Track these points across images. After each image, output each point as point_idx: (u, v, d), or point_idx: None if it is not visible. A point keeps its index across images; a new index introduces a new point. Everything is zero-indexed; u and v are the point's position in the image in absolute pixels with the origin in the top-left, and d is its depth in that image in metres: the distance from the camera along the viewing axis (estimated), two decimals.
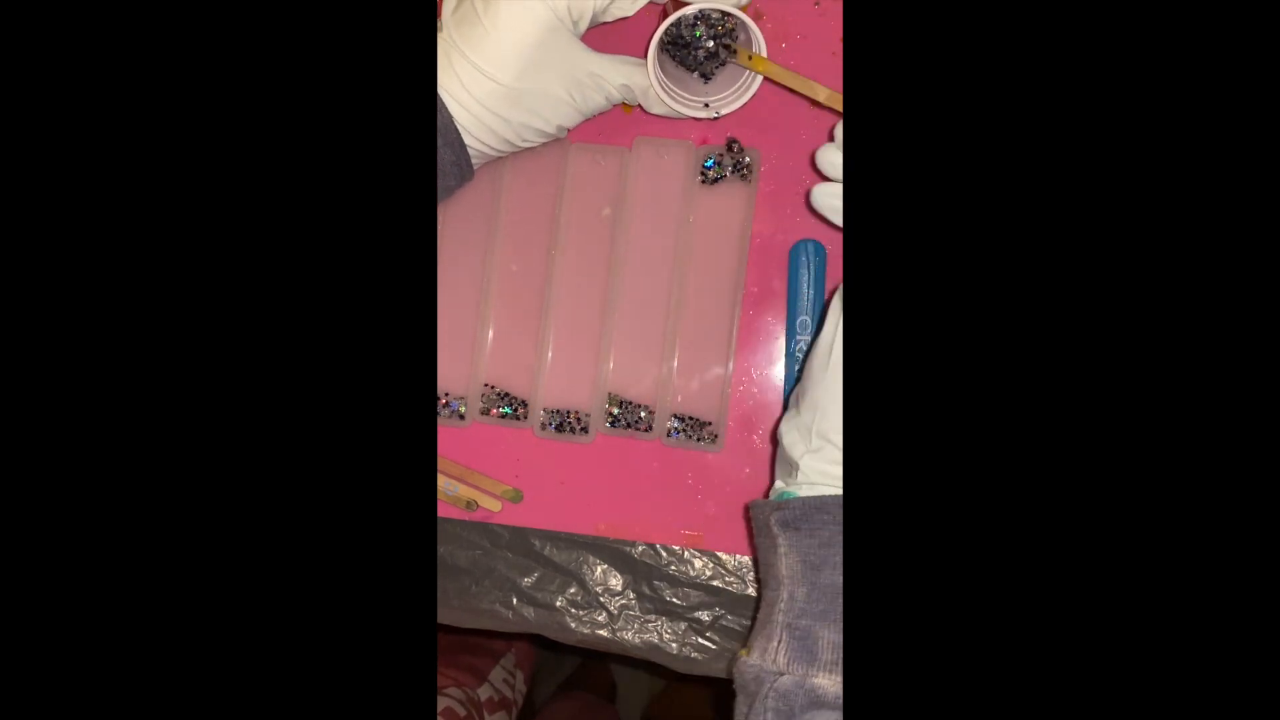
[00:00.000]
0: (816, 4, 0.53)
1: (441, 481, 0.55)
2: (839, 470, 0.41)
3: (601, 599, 0.56)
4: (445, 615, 0.57)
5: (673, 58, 0.51)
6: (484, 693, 0.80)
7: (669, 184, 0.54)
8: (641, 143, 0.54)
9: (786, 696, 0.39)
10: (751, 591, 0.55)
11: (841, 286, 0.43)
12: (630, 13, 0.48)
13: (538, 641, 0.80)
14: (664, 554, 0.55)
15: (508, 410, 0.55)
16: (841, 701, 0.38)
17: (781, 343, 0.54)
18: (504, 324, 0.55)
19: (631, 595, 0.56)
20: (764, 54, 0.49)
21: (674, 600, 0.55)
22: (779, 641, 0.40)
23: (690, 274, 0.54)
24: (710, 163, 0.54)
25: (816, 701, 0.38)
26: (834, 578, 0.40)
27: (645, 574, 0.55)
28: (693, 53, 0.50)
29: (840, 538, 0.40)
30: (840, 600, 0.39)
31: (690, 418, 0.54)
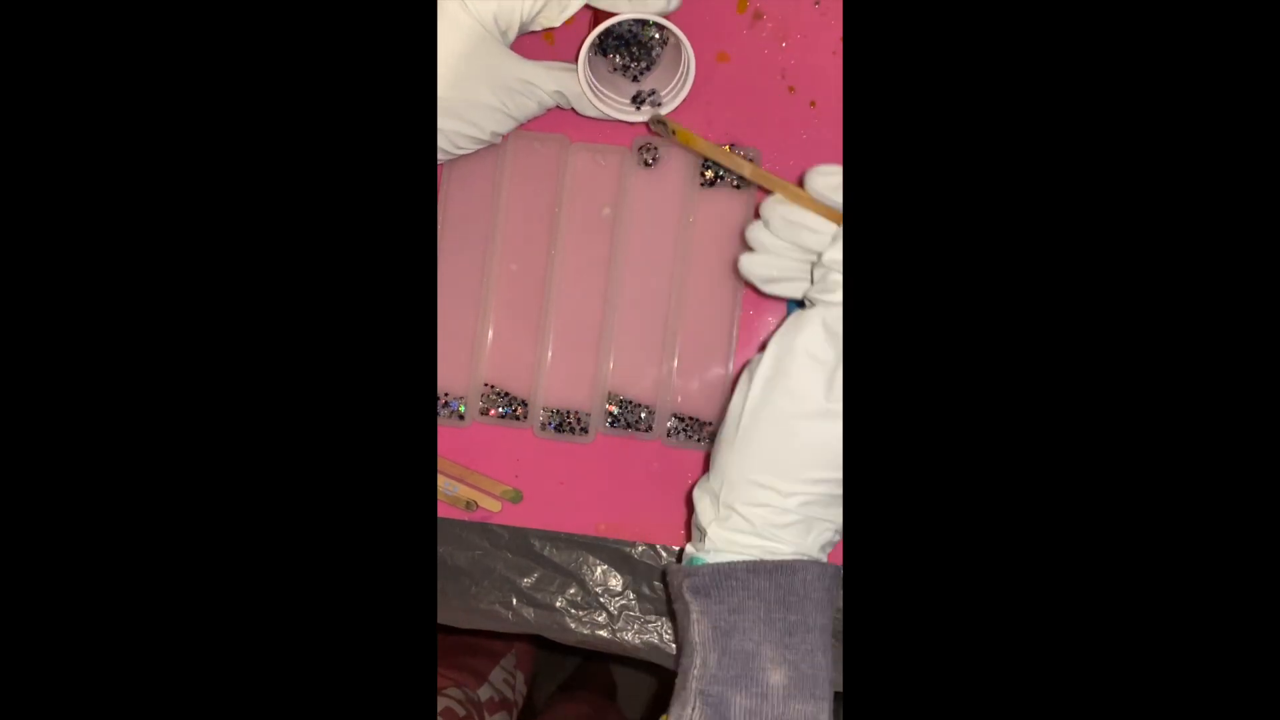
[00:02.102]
0: (817, 4, 0.53)
1: (441, 482, 0.55)
2: (745, 539, 0.43)
3: (601, 599, 0.56)
4: (445, 616, 0.56)
5: (603, 63, 0.52)
6: (484, 693, 0.80)
7: (669, 184, 0.54)
8: (641, 142, 0.54)
9: None
10: None
11: (753, 360, 0.44)
12: (557, 23, 0.49)
13: (538, 642, 0.80)
14: (664, 554, 0.55)
15: (507, 410, 0.55)
16: None
17: None
18: (504, 324, 0.55)
19: (631, 595, 0.56)
20: (692, 63, 0.49)
21: None
22: (693, 708, 0.41)
23: (690, 274, 0.54)
24: (709, 162, 0.54)
25: None
26: (743, 643, 0.41)
27: (645, 574, 0.55)
28: (619, 55, 0.51)
29: (750, 601, 0.41)
30: (753, 663, 0.40)
31: (690, 418, 0.54)
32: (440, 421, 0.55)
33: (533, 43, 0.54)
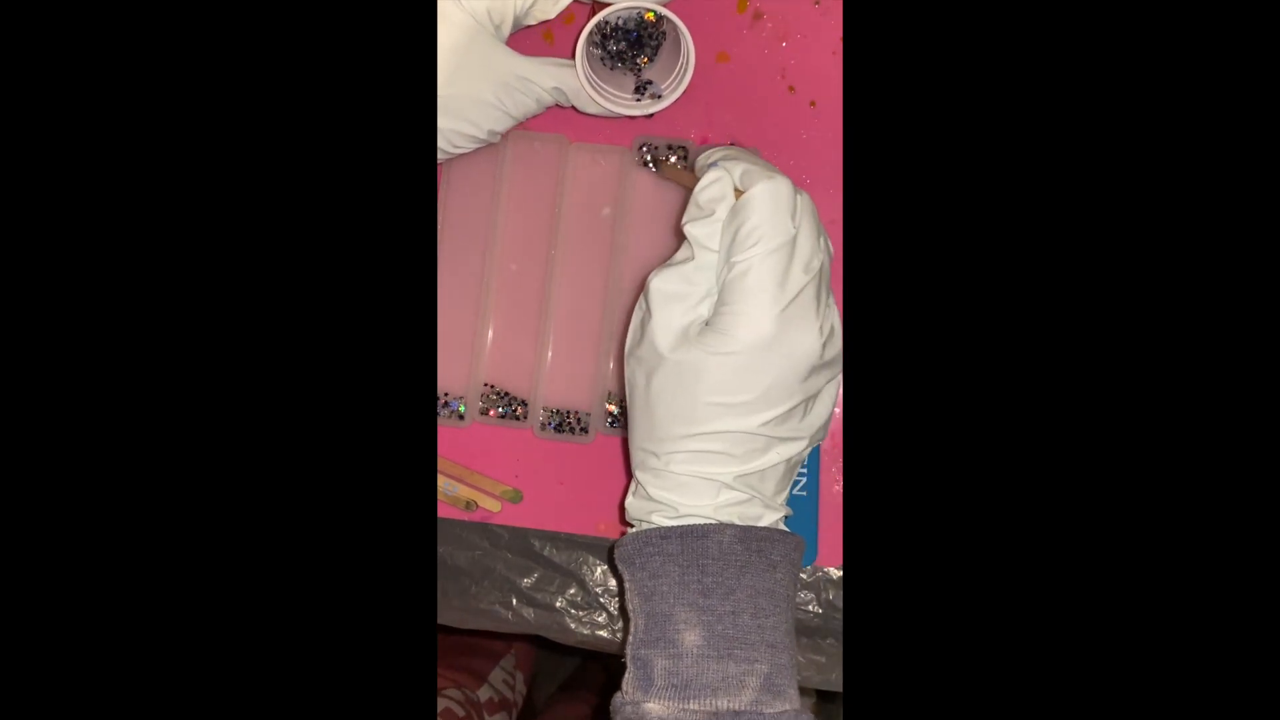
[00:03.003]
0: (817, 3, 0.53)
1: (441, 482, 0.55)
2: (649, 505, 0.43)
3: (601, 599, 0.56)
4: (445, 616, 0.56)
5: (601, 55, 0.52)
6: (484, 694, 0.80)
7: (669, 184, 0.54)
8: (641, 142, 0.54)
9: None
10: None
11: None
12: (552, 15, 0.48)
13: (538, 642, 0.80)
14: None
15: (507, 410, 0.55)
16: None
17: None
18: (504, 324, 0.55)
19: None
20: (692, 54, 0.49)
21: None
22: (628, 672, 0.43)
23: None
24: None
25: None
26: (661, 605, 0.42)
27: None
28: (615, 43, 0.51)
29: (666, 566, 0.42)
30: (669, 625, 0.41)
31: None
32: (440, 421, 0.55)
33: (533, 43, 0.54)
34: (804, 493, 0.53)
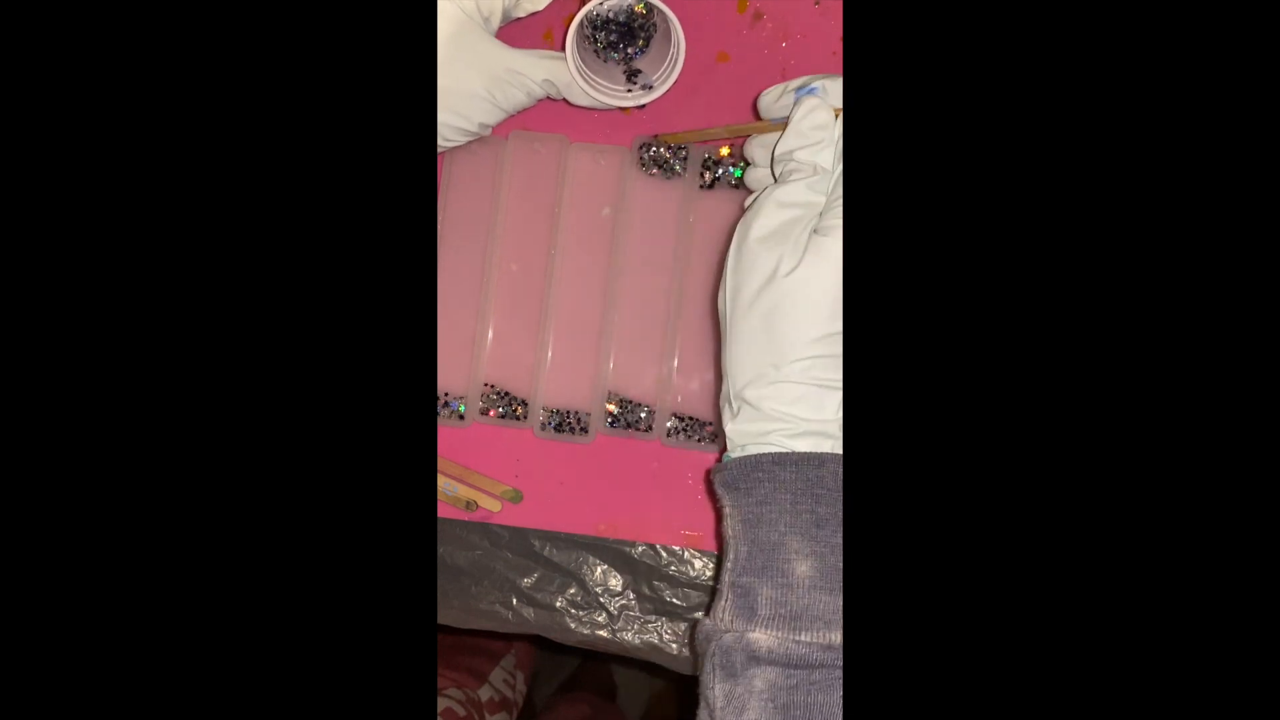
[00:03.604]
0: (817, 3, 0.53)
1: (441, 482, 0.55)
2: (758, 426, 0.42)
3: (601, 599, 0.56)
4: (445, 616, 0.56)
5: (593, 46, 0.51)
6: (484, 693, 0.80)
7: (669, 183, 0.54)
8: (641, 142, 0.54)
9: (729, 653, 0.40)
10: None
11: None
12: (540, 7, 0.48)
13: (538, 642, 0.80)
14: (664, 554, 0.55)
15: (507, 410, 0.55)
16: (779, 654, 0.39)
17: None
18: (504, 324, 0.55)
19: (631, 596, 0.56)
20: (682, 44, 0.49)
21: (674, 600, 0.55)
22: (725, 600, 0.41)
23: (690, 274, 0.54)
24: (707, 162, 0.54)
25: (754, 657, 0.39)
26: (769, 534, 0.40)
27: (645, 574, 0.55)
28: (607, 34, 0.51)
29: (777, 493, 0.41)
30: (778, 554, 0.40)
31: (690, 418, 0.54)
32: (440, 421, 0.55)
33: (532, 42, 0.54)
34: None
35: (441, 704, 0.71)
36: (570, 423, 0.54)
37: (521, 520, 0.56)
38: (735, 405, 0.43)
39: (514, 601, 0.56)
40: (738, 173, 0.53)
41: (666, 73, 0.50)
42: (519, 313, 0.55)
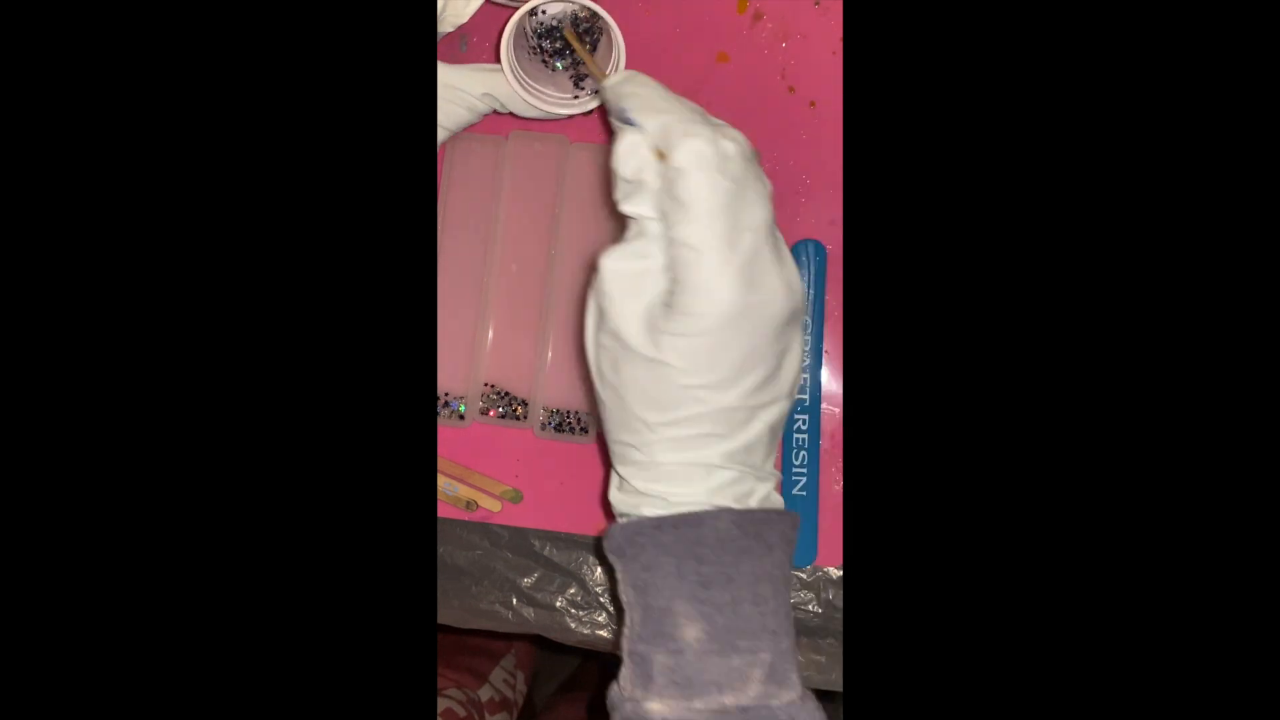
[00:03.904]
0: (816, 3, 0.53)
1: (441, 482, 0.55)
2: (635, 499, 0.41)
3: (602, 599, 0.56)
4: (445, 616, 0.56)
5: (539, 55, 0.51)
6: (485, 693, 0.80)
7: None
8: None
9: None
10: None
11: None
12: (464, 18, 0.46)
13: (538, 642, 0.80)
14: None
15: (507, 410, 0.55)
16: None
17: None
18: (504, 324, 0.55)
19: None
20: (621, 47, 0.47)
21: None
22: (626, 667, 0.41)
23: None
24: None
25: None
26: (657, 599, 0.39)
27: None
28: (551, 41, 0.50)
29: (661, 558, 0.39)
30: (667, 620, 0.39)
31: None
32: (440, 421, 0.55)
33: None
34: (804, 493, 0.53)
35: (442, 704, 0.71)
36: (570, 423, 0.54)
37: (521, 520, 0.56)
38: (615, 475, 0.43)
39: (514, 601, 0.56)
40: None
41: (612, 69, 0.50)
42: (519, 313, 0.55)
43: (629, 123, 0.40)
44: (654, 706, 0.39)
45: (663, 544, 0.39)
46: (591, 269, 0.41)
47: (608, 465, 0.55)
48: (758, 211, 0.38)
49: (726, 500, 0.40)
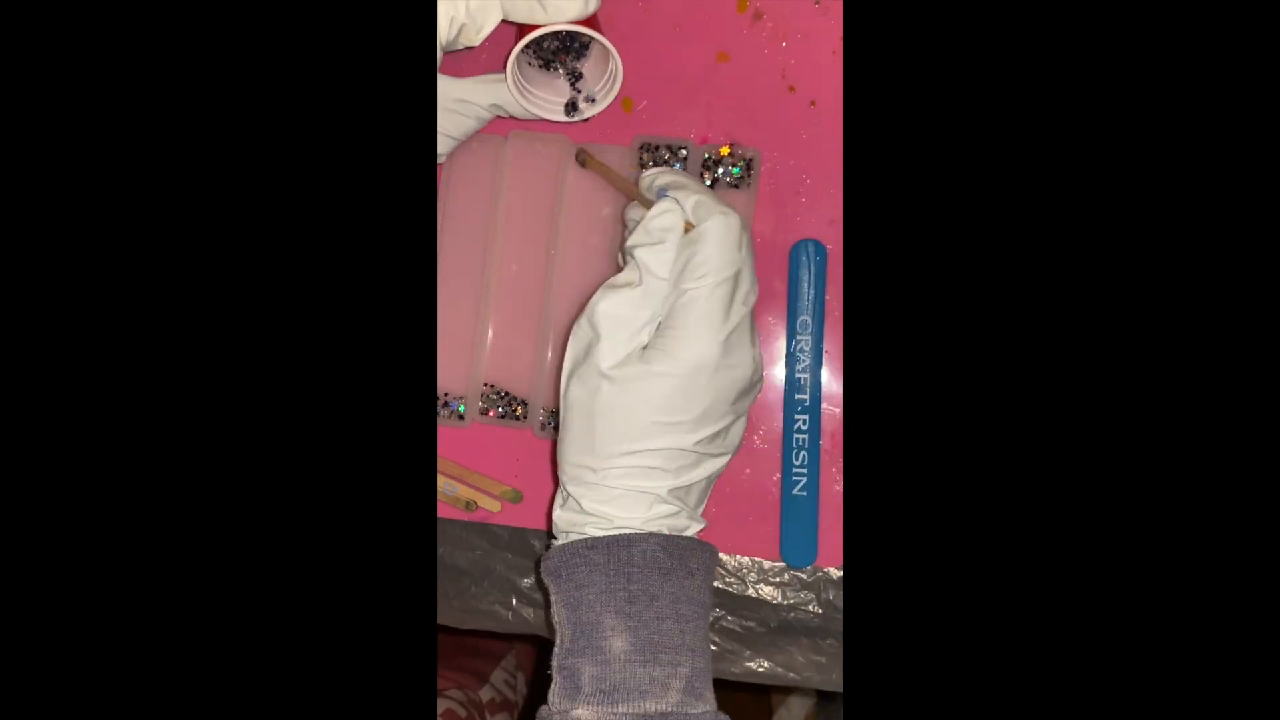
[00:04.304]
0: (817, 3, 0.53)
1: (441, 482, 0.55)
2: (580, 518, 0.45)
3: None
4: (445, 616, 0.56)
5: (533, 61, 0.51)
6: (486, 694, 0.80)
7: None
8: (641, 142, 0.54)
9: None
10: (752, 592, 0.54)
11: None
12: (476, 43, 0.48)
13: (538, 642, 0.80)
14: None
15: (507, 410, 0.55)
16: None
17: (782, 343, 0.54)
18: (504, 324, 0.55)
19: None
20: (619, 69, 0.49)
21: None
22: (555, 683, 0.44)
23: None
24: (707, 161, 0.54)
25: None
26: (587, 615, 0.43)
27: None
28: (549, 43, 0.51)
29: (593, 576, 0.43)
30: (596, 633, 0.42)
31: None
32: (440, 421, 0.55)
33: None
34: (804, 493, 0.53)
35: (442, 705, 0.71)
36: None
37: (521, 520, 0.56)
38: (561, 495, 0.46)
39: (514, 602, 0.56)
40: (736, 171, 0.53)
41: (606, 89, 0.51)
42: (519, 313, 0.55)
43: (664, 195, 0.46)
44: (580, 713, 0.41)
45: (595, 563, 0.43)
46: (583, 304, 0.46)
47: None
48: (751, 293, 0.44)
49: (661, 529, 0.44)
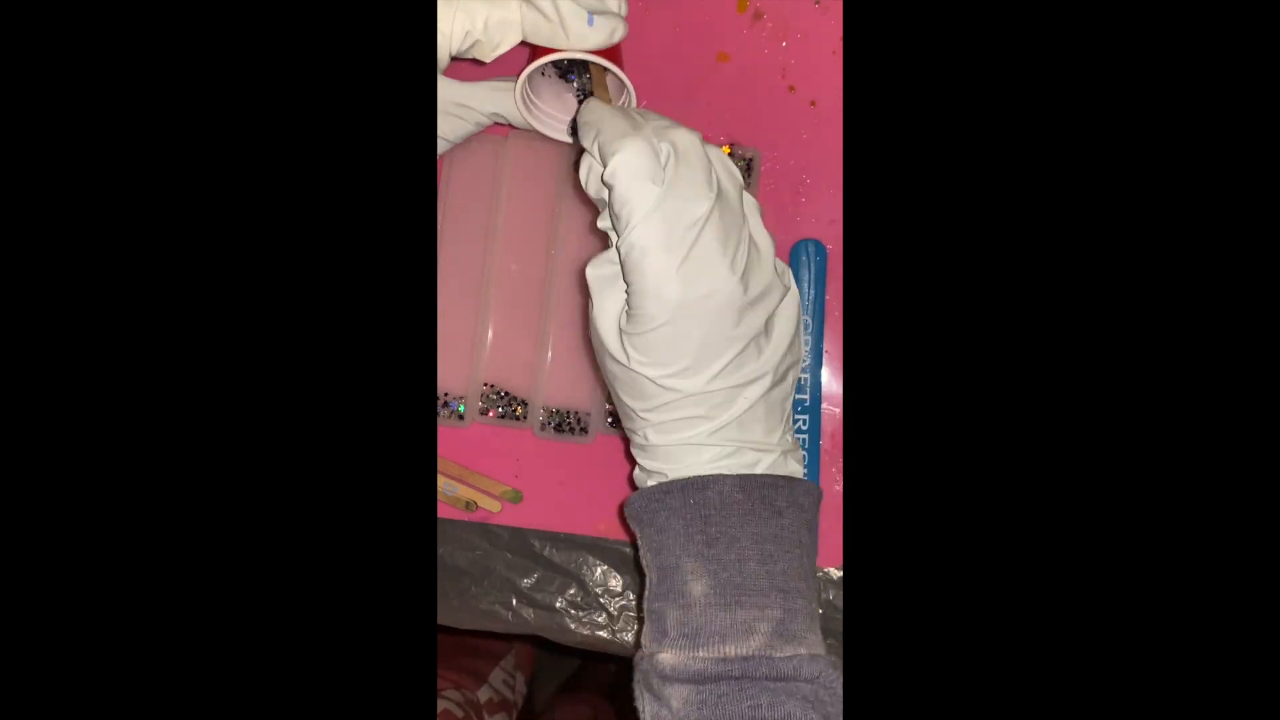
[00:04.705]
0: (817, 3, 0.53)
1: (441, 482, 0.55)
2: (651, 465, 0.44)
3: (601, 600, 0.56)
4: (444, 616, 0.56)
5: (552, 73, 0.51)
6: (484, 694, 0.80)
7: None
8: None
9: (647, 675, 0.42)
10: None
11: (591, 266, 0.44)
12: (488, 60, 0.46)
13: (538, 642, 0.80)
14: None
15: (507, 410, 0.55)
16: (683, 671, 0.40)
17: None
18: (504, 324, 0.55)
19: (631, 596, 0.56)
20: (634, 98, 0.47)
21: None
22: (646, 626, 0.44)
23: None
24: None
25: (665, 676, 0.41)
26: (670, 559, 0.42)
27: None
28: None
29: (671, 520, 0.42)
30: (676, 577, 0.42)
31: None
32: (440, 421, 0.55)
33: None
34: None
35: (440, 705, 0.71)
36: (570, 423, 0.54)
37: (521, 520, 0.56)
38: (632, 448, 0.45)
39: (514, 602, 0.56)
40: None
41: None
42: (519, 313, 0.55)
43: (585, 147, 0.43)
44: (664, 657, 0.41)
45: (672, 507, 0.42)
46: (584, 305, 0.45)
47: (615, 467, 0.55)
48: (695, 207, 0.39)
49: (725, 471, 0.42)
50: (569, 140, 0.51)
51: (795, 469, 0.44)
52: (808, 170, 0.54)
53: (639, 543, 0.45)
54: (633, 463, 0.46)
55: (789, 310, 0.43)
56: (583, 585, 0.56)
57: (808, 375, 0.53)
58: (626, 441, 0.47)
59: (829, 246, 0.53)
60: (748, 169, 0.53)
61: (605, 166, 0.40)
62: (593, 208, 0.54)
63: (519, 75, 0.48)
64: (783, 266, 0.44)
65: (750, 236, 0.41)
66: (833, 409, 0.53)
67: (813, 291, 0.53)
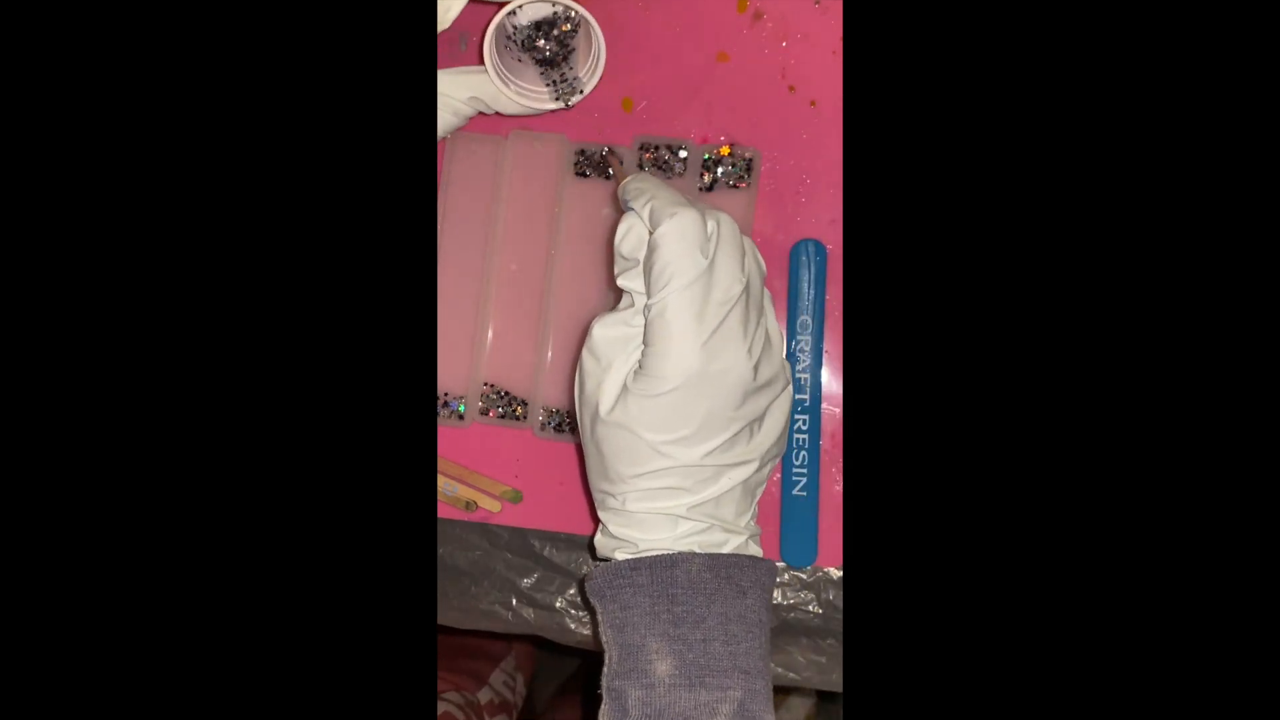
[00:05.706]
0: (817, 3, 0.53)
1: (441, 482, 0.55)
2: (614, 542, 0.44)
3: None
4: (444, 617, 0.56)
5: (512, 50, 0.51)
6: (484, 696, 0.80)
7: (669, 183, 0.54)
8: (641, 142, 0.54)
9: None
10: None
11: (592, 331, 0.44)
12: (446, 24, 0.46)
13: (538, 643, 0.80)
14: None
15: (507, 410, 0.55)
16: None
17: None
18: (504, 324, 0.55)
19: None
20: (602, 46, 0.48)
21: None
22: (604, 705, 0.43)
23: None
24: (707, 161, 0.54)
25: None
26: (634, 637, 0.42)
27: None
28: (529, 31, 0.50)
29: (637, 597, 0.42)
30: (641, 656, 0.42)
31: None
32: (440, 421, 0.55)
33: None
34: (804, 493, 0.53)
35: (441, 707, 0.71)
36: (570, 423, 0.54)
37: (521, 520, 0.56)
38: (600, 518, 0.45)
39: (514, 602, 0.56)
40: (736, 170, 0.53)
41: (590, 72, 0.50)
42: (519, 313, 0.55)
43: (629, 208, 0.44)
44: None
45: (638, 584, 0.42)
46: (585, 332, 0.45)
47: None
48: (730, 287, 0.41)
49: (693, 548, 0.43)
50: (551, 108, 0.51)
51: (756, 551, 0.45)
52: (808, 170, 0.54)
53: (599, 618, 0.44)
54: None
55: (785, 404, 0.45)
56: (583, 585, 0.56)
57: (808, 375, 0.53)
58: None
59: (829, 246, 0.53)
60: (748, 169, 0.53)
61: (654, 230, 0.41)
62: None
63: (483, 45, 0.48)
64: (786, 362, 0.45)
65: (765, 326, 0.44)
66: (833, 409, 0.53)
67: (813, 291, 0.53)
